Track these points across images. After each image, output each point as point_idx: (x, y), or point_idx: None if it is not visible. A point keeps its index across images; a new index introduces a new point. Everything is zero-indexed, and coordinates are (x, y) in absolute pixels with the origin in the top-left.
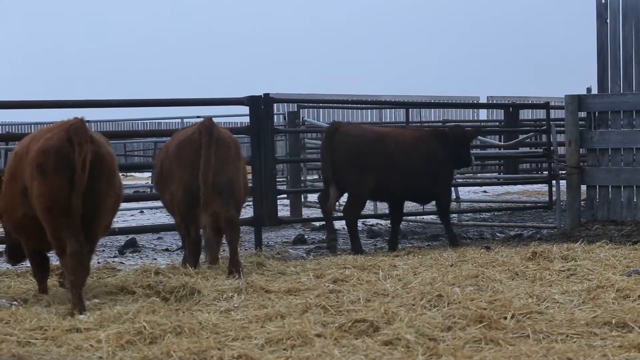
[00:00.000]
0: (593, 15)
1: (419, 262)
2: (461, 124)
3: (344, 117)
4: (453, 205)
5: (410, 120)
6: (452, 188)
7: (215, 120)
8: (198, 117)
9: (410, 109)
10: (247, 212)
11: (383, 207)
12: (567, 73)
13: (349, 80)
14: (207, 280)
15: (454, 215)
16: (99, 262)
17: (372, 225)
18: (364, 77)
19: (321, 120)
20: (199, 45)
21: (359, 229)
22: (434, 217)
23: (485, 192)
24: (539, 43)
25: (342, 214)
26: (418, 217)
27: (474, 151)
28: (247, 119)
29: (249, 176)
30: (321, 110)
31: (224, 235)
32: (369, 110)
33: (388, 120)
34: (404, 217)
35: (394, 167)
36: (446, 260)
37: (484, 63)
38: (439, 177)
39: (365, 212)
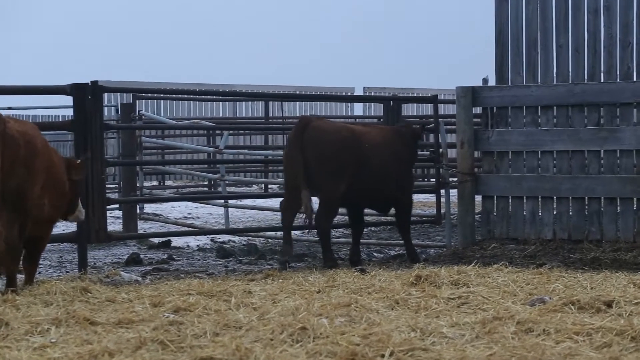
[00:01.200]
0: None
1: (279, 287)
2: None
3: (190, 111)
4: None
5: (271, 115)
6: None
7: (36, 112)
8: (10, 108)
9: (270, 102)
10: (68, 225)
11: (236, 219)
12: (460, 61)
13: (198, 67)
14: (18, 310)
15: None
16: None
17: (223, 242)
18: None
19: (162, 115)
20: (21, 24)
21: (207, 246)
22: (297, 232)
23: None
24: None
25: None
26: (279, 232)
27: None
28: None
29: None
30: (162, 102)
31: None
32: (222, 103)
33: (244, 114)
34: (260, 233)
35: (366, 170)
36: (312, 286)
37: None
38: (403, 181)
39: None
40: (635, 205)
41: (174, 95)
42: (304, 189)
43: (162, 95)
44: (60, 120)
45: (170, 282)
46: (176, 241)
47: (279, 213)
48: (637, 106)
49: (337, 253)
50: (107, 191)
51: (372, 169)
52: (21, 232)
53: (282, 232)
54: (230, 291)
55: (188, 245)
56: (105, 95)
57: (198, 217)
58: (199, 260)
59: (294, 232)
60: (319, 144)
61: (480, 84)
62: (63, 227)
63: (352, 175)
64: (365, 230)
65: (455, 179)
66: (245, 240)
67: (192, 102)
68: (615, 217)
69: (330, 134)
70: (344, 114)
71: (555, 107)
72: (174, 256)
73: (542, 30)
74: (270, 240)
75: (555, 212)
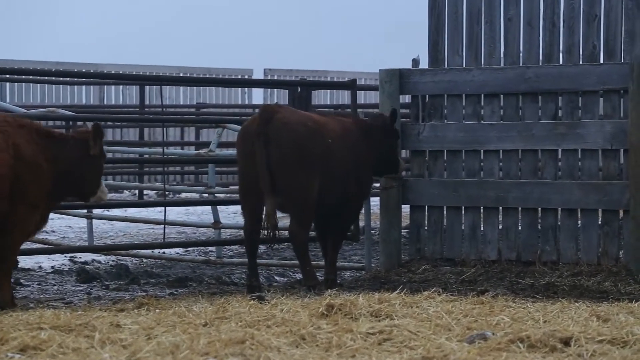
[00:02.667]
0: None
1: (155, 319)
2: (233, 109)
3: (44, 96)
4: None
5: (148, 103)
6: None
7: None
8: None
9: (146, 86)
10: None
11: (101, 235)
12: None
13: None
14: None
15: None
16: None
17: (85, 263)
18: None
19: (7, 101)
20: None
21: (64, 267)
22: (180, 250)
23: None
24: None
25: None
26: (156, 250)
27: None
28: None
29: None
30: (7, 85)
31: None
32: (85, 87)
33: (114, 101)
34: (133, 251)
35: (331, 169)
36: (197, 317)
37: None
38: (361, 185)
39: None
40: (600, 219)
41: (22, 77)
42: (270, 196)
43: (6, 76)
44: None
45: (17, 314)
46: (25, 261)
47: (156, 226)
48: (604, 95)
49: (228, 276)
50: None
51: (336, 168)
52: None
53: (164, 251)
54: (93, 324)
55: (40, 267)
56: None
57: (53, 231)
58: (54, 285)
59: (175, 250)
60: (290, 138)
61: (409, 66)
62: None
63: (321, 175)
64: (260, 247)
65: (377, 185)
66: (113, 261)
67: (46, 85)
68: (575, 233)
69: (298, 126)
70: (240, 102)
71: (502, 96)
72: (22, 280)
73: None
74: (145, 261)
75: (500, 227)
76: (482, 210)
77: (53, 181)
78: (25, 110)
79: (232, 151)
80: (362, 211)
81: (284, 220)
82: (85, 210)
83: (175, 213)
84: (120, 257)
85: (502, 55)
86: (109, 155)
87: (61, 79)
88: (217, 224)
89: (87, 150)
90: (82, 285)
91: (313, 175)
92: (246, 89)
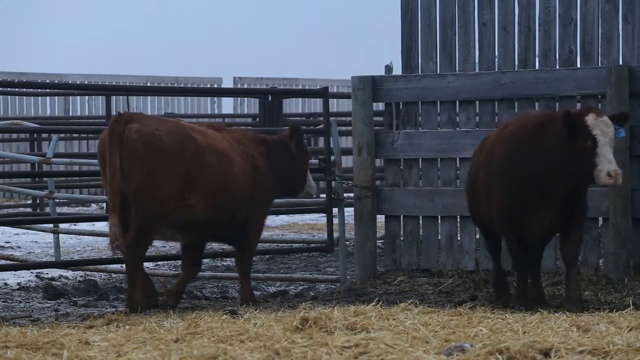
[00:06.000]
0: None
1: (125, 336)
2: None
3: (7, 108)
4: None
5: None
6: None
7: None
8: None
9: (113, 97)
10: None
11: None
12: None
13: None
14: None
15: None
16: None
17: (52, 279)
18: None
19: None
20: None
21: (31, 284)
22: (150, 265)
23: None
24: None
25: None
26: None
27: None
28: None
29: None
30: None
31: None
32: (50, 98)
33: (79, 112)
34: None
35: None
36: (168, 333)
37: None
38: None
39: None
40: None
41: None
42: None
43: None
44: None
45: None
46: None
47: None
48: (582, 100)
49: (200, 290)
50: None
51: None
52: None
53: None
54: (61, 342)
55: (6, 284)
56: None
57: (19, 247)
58: (20, 302)
59: (145, 265)
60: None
61: (382, 72)
62: None
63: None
64: (231, 261)
65: (351, 195)
66: (81, 276)
67: (9, 96)
68: (554, 242)
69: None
70: (209, 112)
71: (477, 102)
72: None
73: (461, 3)
74: (114, 276)
75: (478, 236)
76: (458, 220)
77: (273, 185)
78: None
79: None
80: (336, 222)
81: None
82: (51, 225)
83: None
84: (88, 273)
85: (477, 60)
86: (75, 167)
87: (25, 89)
88: None
89: (289, 151)
90: (49, 301)
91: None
92: (215, 99)
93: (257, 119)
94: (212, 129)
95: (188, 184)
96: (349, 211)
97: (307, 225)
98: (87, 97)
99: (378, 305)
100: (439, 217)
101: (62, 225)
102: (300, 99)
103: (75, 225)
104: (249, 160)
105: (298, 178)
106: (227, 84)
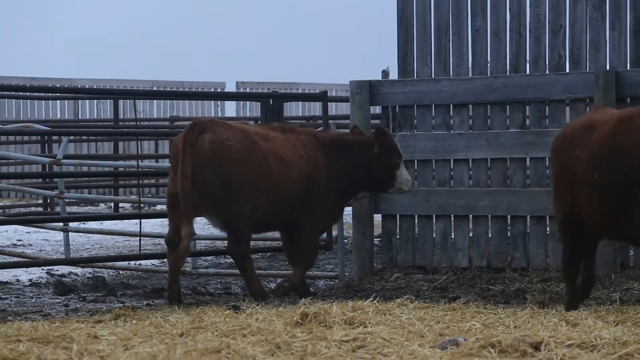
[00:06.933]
0: None
1: (132, 330)
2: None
3: (19, 111)
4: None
5: (122, 117)
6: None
7: None
8: None
9: (120, 101)
10: None
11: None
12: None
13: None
14: None
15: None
16: None
17: (62, 275)
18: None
19: None
20: None
21: (42, 280)
22: (156, 262)
23: None
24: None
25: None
26: (132, 262)
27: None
28: None
29: None
30: None
31: None
32: (60, 102)
33: (88, 116)
34: (109, 263)
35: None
36: (173, 328)
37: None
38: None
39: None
40: None
41: None
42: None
43: None
44: None
45: None
46: (2, 275)
47: (132, 238)
48: (571, 104)
49: (204, 286)
50: None
51: None
52: None
53: (140, 263)
54: (71, 336)
55: (18, 280)
56: None
57: (30, 245)
58: (32, 297)
59: (151, 262)
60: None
61: (379, 77)
62: None
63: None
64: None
65: None
66: (90, 273)
67: (21, 100)
68: (544, 239)
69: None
70: (213, 115)
71: (471, 106)
72: None
73: (455, 10)
74: (121, 272)
75: (471, 235)
76: (452, 219)
77: (341, 183)
78: None
79: None
80: None
81: None
82: (61, 224)
83: (150, 225)
84: (97, 269)
85: (470, 65)
86: (84, 168)
87: (36, 94)
88: (192, 236)
89: (372, 151)
90: (59, 297)
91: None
92: (219, 102)
93: (259, 122)
94: (277, 130)
95: (256, 187)
96: (348, 210)
97: None
98: (95, 101)
99: (375, 301)
100: (434, 216)
101: (72, 224)
102: (300, 102)
103: (84, 223)
104: (307, 163)
105: (383, 177)
106: (230, 88)
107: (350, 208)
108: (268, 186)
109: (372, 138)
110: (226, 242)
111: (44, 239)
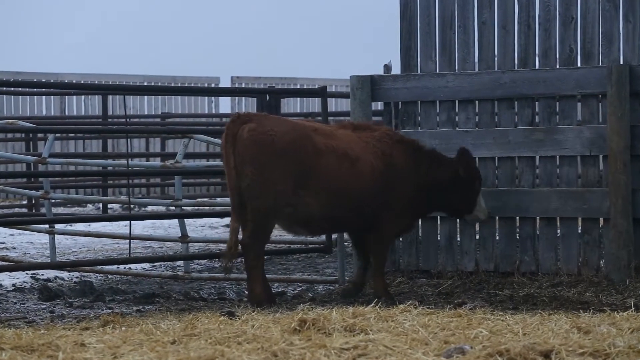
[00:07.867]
0: None
1: (121, 337)
2: (200, 119)
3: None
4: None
5: (111, 113)
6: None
7: None
8: None
9: (109, 96)
10: None
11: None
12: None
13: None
14: None
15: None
16: None
17: (48, 280)
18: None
19: None
20: None
21: (26, 285)
22: (146, 266)
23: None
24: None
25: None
26: (121, 266)
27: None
28: None
29: None
30: None
31: None
32: (45, 98)
33: (75, 112)
34: (97, 267)
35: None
36: (165, 335)
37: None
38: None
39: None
40: (580, 228)
41: None
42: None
43: None
44: None
45: None
46: None
47: (122, 241)
48: (582, 100)
49: (197, 291)
50: None
51: None
52: None
53: (130, 267)
54: (57, 344)
55: (1, 285)
56: None
57: (14, 247)
58: (16, 303)
59: (141, 265)
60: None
61: (381, 72)
62: None
63: None
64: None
65: None
66: (77, 277)
67: (5, 95)
68: (555, 242)
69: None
70: (207, 112)
71: (477, 102)
72: None
73: (461, 2)
74: (110, 277)
75: (477, 237)
76: (457, 221)
77: (421, 193)
78: None
79: (199, 162)
80: None
81: None
82: (47, 226)
83: (141, 227)
84: (84, 274)
85: (476, 60)
86: (71, 168)
87: (20, 89)
88: (184, 238)
89: (457, 172)
90: (44, 303)
91: None
92: (213, 98)
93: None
94: (348, 128)
95: (301, 183)
96: None
97: None
98: (83, 96)
99: (377, 307)
100: (438, 217)
101: (58, 226)
102: (298, 98)
103: (71, 225)
104: (381, 159)
105: (464, 200)
106: (225, 83)
107: None
108: (323, 184)
109: (457, 159)
110: (220, 245)
111: (28, 242)
